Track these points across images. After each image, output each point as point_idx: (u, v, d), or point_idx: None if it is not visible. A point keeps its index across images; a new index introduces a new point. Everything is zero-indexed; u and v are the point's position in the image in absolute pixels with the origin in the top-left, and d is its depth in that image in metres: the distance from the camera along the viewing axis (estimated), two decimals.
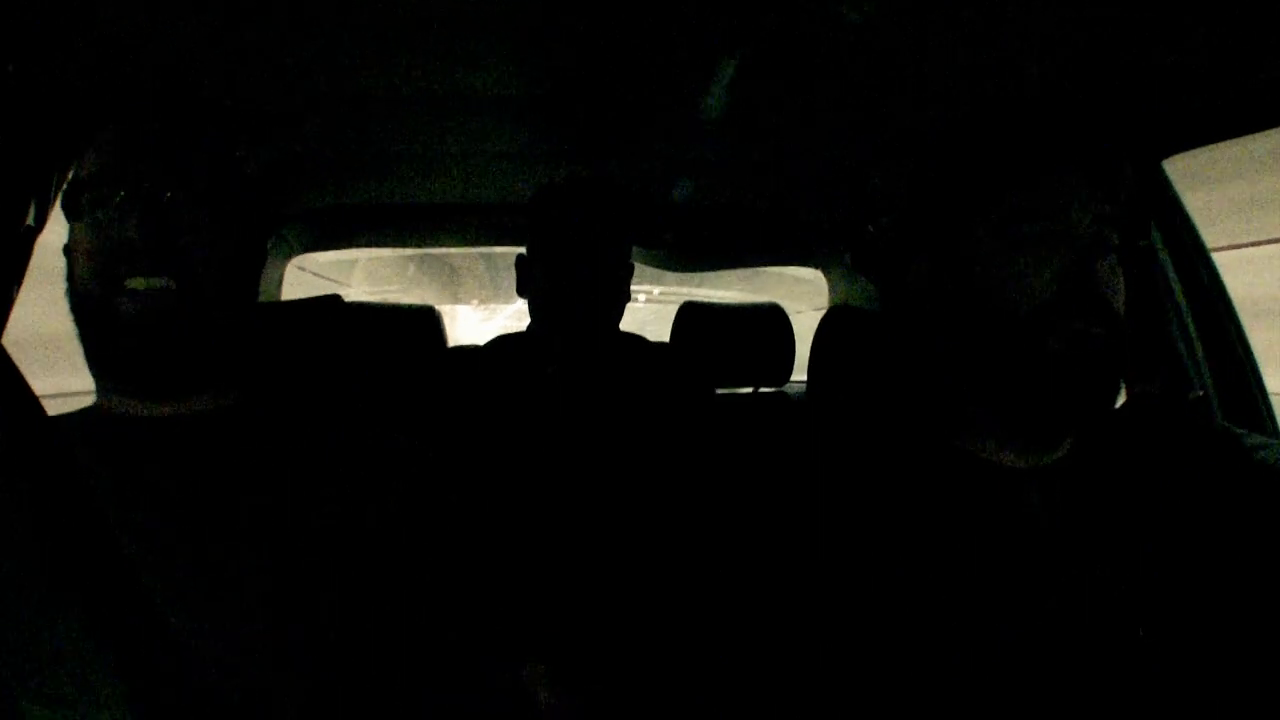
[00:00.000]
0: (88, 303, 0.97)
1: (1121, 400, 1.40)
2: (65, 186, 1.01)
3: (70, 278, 1.01)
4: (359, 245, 2.60)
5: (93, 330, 0.99)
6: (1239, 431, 1.06)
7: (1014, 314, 0.94)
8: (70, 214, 1.00)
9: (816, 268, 2.80)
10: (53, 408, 1.01)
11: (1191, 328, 1.55)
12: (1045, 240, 0.94)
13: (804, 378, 2.00)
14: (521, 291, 1.72)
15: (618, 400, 1.69)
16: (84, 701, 0.88)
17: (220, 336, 1.01)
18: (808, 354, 1.87)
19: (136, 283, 0.95)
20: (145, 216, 0.95)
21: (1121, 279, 0.96)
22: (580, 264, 1.60)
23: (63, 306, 1.01)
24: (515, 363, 1.73)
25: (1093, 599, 0.92)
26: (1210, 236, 1.57)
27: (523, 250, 1.72)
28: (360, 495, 1.01)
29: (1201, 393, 1.52)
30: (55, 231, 1.26)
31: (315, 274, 6.61)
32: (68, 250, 1.02)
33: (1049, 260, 0.93)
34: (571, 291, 1.62)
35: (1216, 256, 1.57)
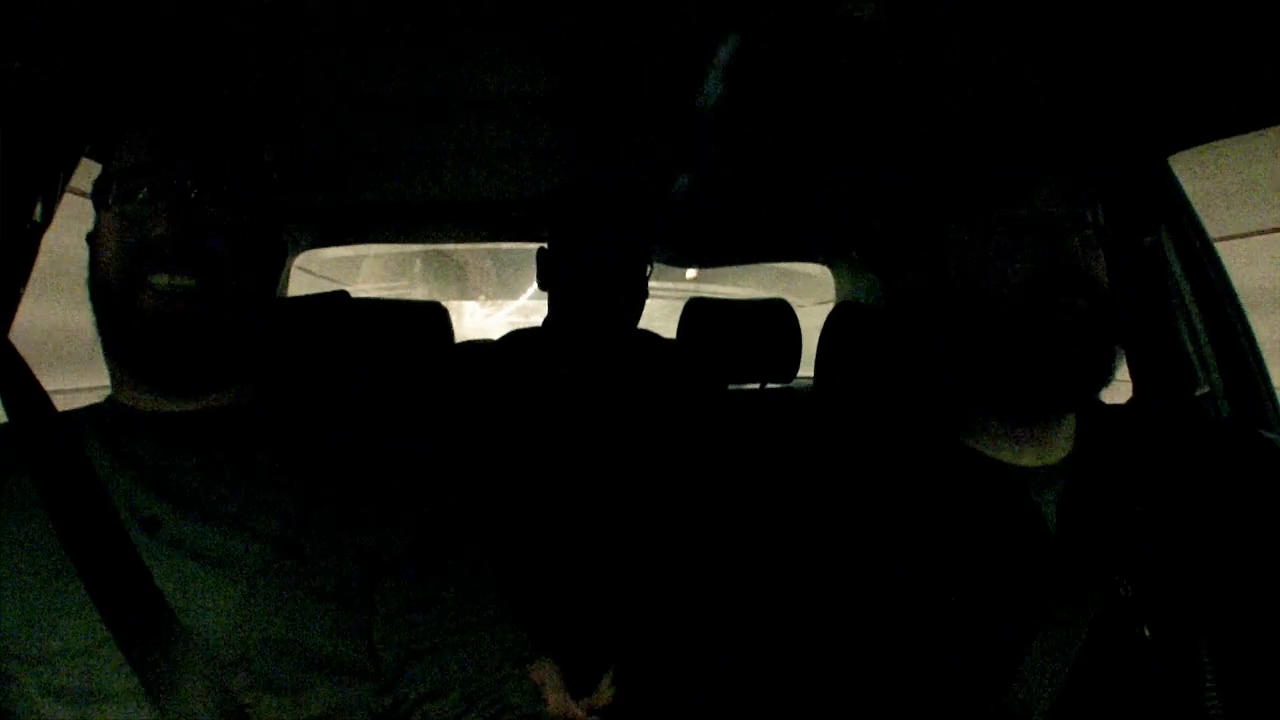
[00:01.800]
0: (110, 294, 0.98)
1: (1127, 397, 1.40)
2: (96, 177, 1.02)
3: (93, 267, 1.01)
4: (364, 242, 2.61)
5: (113, 322, 0.99)
6: (1245, 427, 1.06)
7: (996, 298, 0.95)
8: (98, 204, 1.01)
9: (824, 264, 2.80)
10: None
11: (1199, 324, 1.55)
12: (1016, 224, 0.95)
13: (811, 373, 2.00)
14: (543, 285, 1.72)
15: (631, 396, 1.69)
16: (94, 697, 0.89)
17: (240, 335, 1.02)
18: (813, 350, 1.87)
19: (160, 279, 0.96)
20: (173, 213, 0.96)
21: (1101, 253, 0.97)
22: (603, 261, 1.60)
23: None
24: (529, 358, 1.73)
25: (1097, 598, 0.92)
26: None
27: (543, 245, 1.73)
28: (371, 492, 1.01)
29: (1208, 389, 1.52)
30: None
31: (319, 274, 6.60)
32: (91, 239, 1.02)
33: (1023, 242, 0.95)
34: (593, 288, 1.62)
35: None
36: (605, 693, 1.30)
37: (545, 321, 1.75)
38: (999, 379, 0.98)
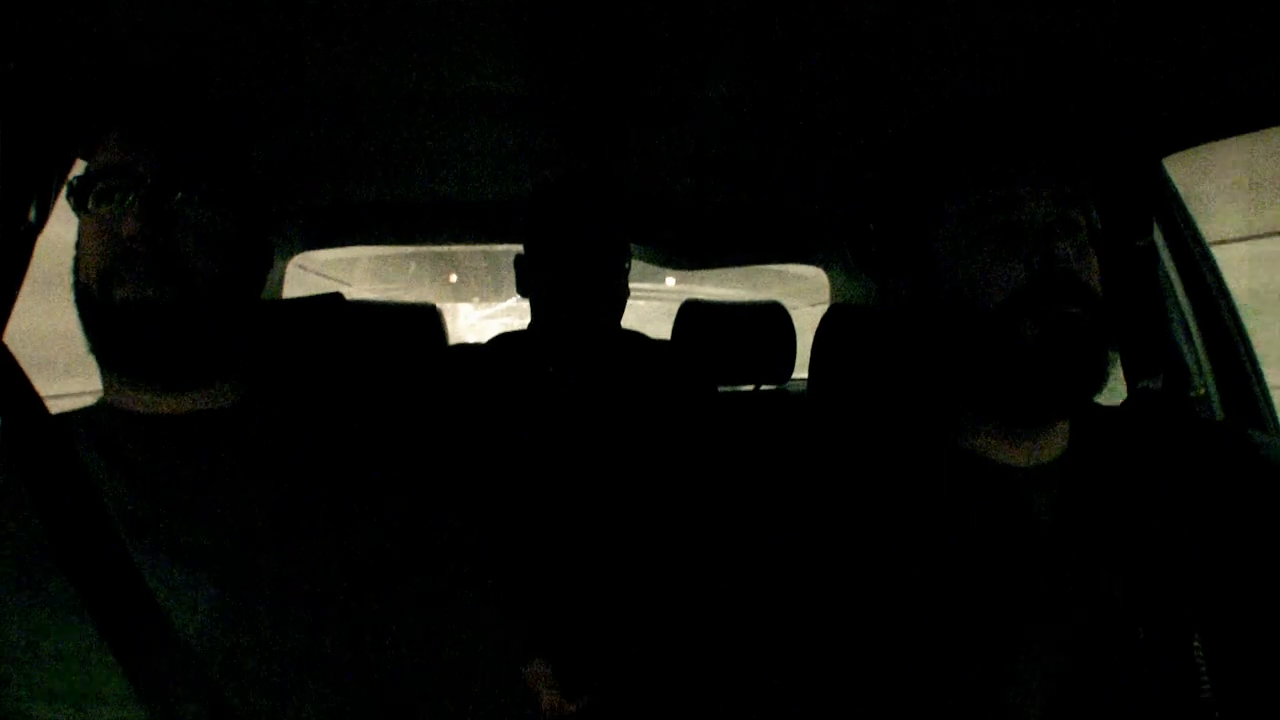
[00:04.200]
0: (89, 295, 0.98)
1: (1123, 398, 1.40)
2: (74, 179, 1.01)
3: (74, 271, 1.01)
4: (360, 243, 2.60)
5: (92, 323, 0.99)
6: (1240, 429, 1.06)
7: (988, 306, 0.95)
8: (77, 206, 1.00)
9: (818, 266, 2.80)
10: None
11: (1192, 325, 1.55)
12: (1006, 231, 0.95)
13: (804, 375, 2.00)
14: (522, 291, 1.71)
15: (621, 398, 1.68)
16: (86, 699, 0.88)
17: (221, 331, 1.01)
18: (807, 351, 1.87)
19: (129, 290, 0.95)
20: (148, 215, 0.95)
21: (1094, 257, 0.97)
22: (579, 263, 1.60)
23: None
24: (517, 361, 1.72)
25: (1092, 598, 0.92)
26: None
27: (521, 249, 1.72)
28: (361, 494, 1.01)
29: (1202, 390, 1.52)
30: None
31: (317, 273, 6.60)
32: (76, 244, 1.02)
33: (1014, 250, 0.95)
34: (572, 291, 1.61)
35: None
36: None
37: (530, 325, 1.75)
38: (991, 386, 0.98)
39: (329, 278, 7.02)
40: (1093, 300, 0.94)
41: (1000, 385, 0.96)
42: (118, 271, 0.95)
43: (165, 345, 0.97)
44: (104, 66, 1.24)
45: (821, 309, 1.86)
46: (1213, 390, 1.53)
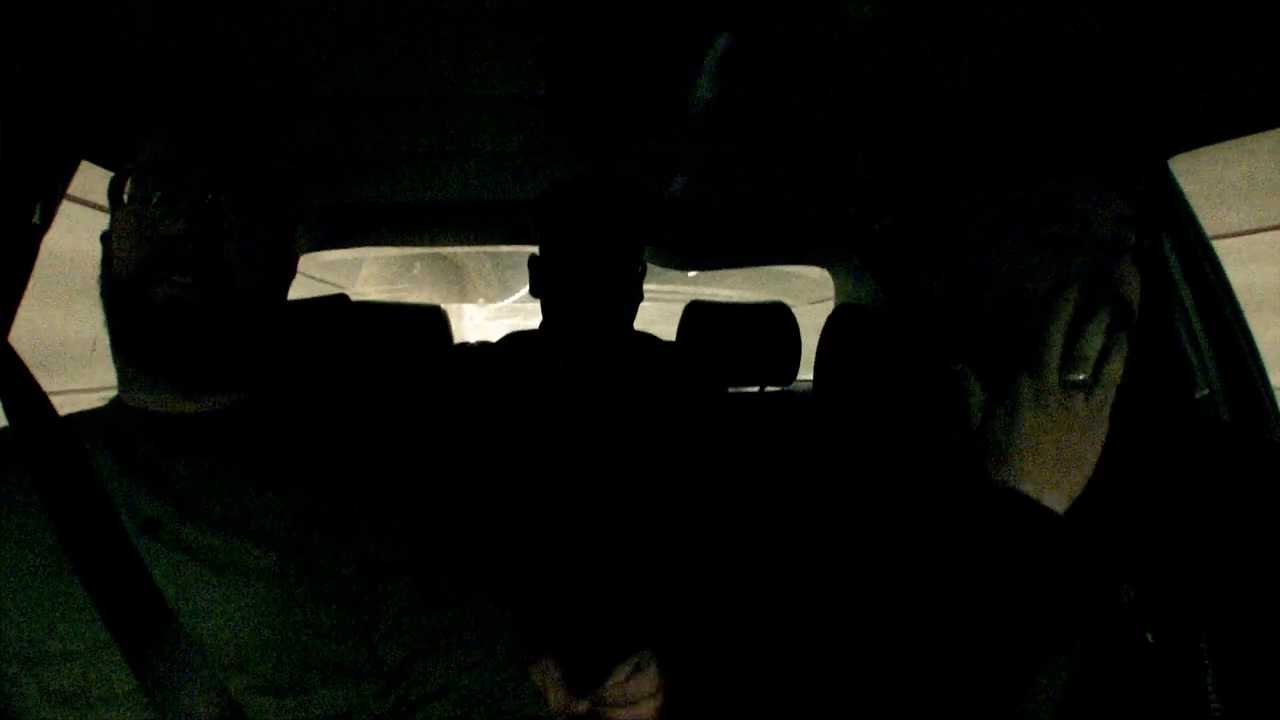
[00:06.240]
0: (122, 290, 0.98)
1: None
2: (113, 174, 1.02)
3: (105, 265, 1.02)
4: (364, 244, 2.60)
5: (125, 318, 0.99)
6: (1246, 430, 1.05)
7: (1034, 315, 0.92)
8: (114, 202, 1.01)
9: (823, 266, 2.80)
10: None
11: (1197, 326, 1.55)
12: (1064, 242, 0.93)
13: (809, 376, 2.00)
14: (535, 292, 1.71)
15: (631, 398, 1.68)
16: (94, 699, 0.89)
17: (249, 338, 1.02)
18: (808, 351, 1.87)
19: (166, 288, 0.96)
20: (189, 217, 0.96)
21: (1138, 277, 0.95)
22: (578, 263, 1.59)
23: None
24: (528, 360, 1.72)
25: (1101, 602, 0.92)
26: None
27: (534, 250, 1.72)
28: (364, 494, 1.01)
29: (1208, 392, 1.52)
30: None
31: (320, 279, 6.59)
32: (105, 238, 1.03)
33: (1067, 262, 0.92)
34: (571, 290, 1.61)
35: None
36: (610, 690, 1.30)
37: (542, 324, 1.75)
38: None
39: (330, 283, 7.00)
40: (1134, 320, 0.92)
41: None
42: (158, 269, 0.96)
43: (197, 348, 0.98)
44: (121, 71, 1.25)
45: (819, 307, 1.85)
46: (1218, 390, 1.52)
